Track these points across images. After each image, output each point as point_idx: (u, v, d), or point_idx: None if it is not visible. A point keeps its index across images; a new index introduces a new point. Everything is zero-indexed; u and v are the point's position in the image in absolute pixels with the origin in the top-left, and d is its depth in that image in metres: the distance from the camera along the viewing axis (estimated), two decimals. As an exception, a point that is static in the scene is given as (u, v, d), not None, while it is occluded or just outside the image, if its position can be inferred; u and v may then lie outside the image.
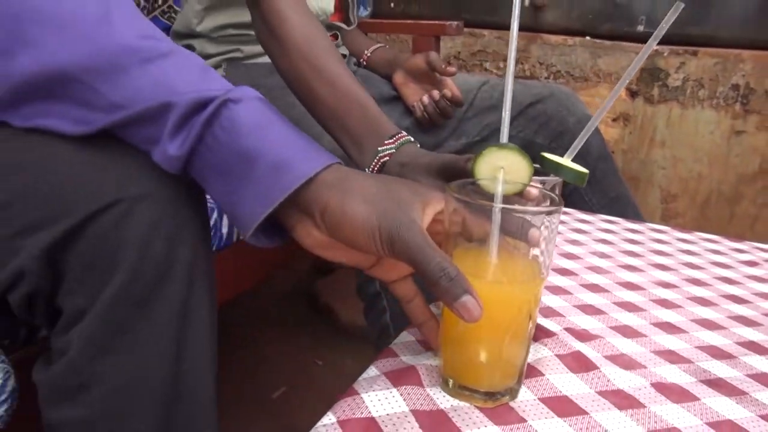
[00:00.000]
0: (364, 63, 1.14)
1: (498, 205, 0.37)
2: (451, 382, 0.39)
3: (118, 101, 0.37)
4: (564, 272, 0.63)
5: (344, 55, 1.15)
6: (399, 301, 0.42)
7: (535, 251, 0.37)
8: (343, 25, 1.14)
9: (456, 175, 0.47)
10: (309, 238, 0.39)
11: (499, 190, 0.38)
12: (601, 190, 1.10)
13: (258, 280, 0.99)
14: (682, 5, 0.41)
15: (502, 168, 0.39)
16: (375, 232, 0.36)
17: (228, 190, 0.37)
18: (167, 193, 0.39)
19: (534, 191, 0.40)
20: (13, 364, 0.47)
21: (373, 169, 0.57)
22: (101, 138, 0.39)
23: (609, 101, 0.45)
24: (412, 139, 0.59)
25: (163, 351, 0.40)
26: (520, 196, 0.40)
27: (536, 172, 0.41)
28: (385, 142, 0.58)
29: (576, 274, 0.63)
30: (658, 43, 1.35)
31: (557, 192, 0.47)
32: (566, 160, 0.46)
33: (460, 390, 0.38)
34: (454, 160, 0.48)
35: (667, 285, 0.63)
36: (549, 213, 0.36)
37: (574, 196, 1.06)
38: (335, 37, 1.13)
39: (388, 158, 0.57)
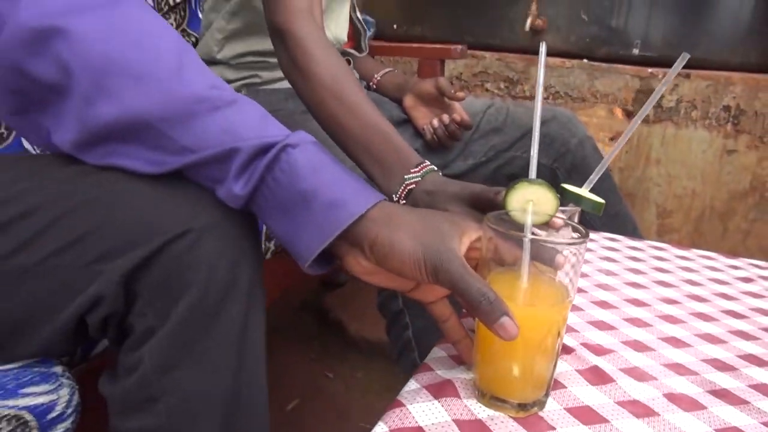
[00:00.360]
0: (374, 86, 1.19)
1: (529, 236, 0.42)
2: (486, 394, 0.43)
3: (188, 145, 0.42)
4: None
5: (354, 79, 1.19)
6: (436, 320, 0.47)
7: (563, 276, 0.41)
8: (355, 52, 1.19)
9: (485, 205, 0.52)
10: (357, 267, 0.44)
11: (529, 221, 0.43)
12: (602, 208, 1.15)
13: (272, 298, 1.03)
14: (688, 56, 0.46)
15: (531, 201, 0.44)
16: (421, 263, 0.41)
17: (287, 225, 0.42)
18: (229, 224, 0.44)
19: (559, 221, 0.45)
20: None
21: (401, 195, 0.62)
22: (170, 174, 0.43)
23: (624, 138, 0.50)
24: (435, 168, 0.63)
25: (226, 365, 0.44)
26: (546, 225, 0.45)
27: None
28: (411, 170, 0.62)
29: (586, 291, 0.68)
30: (653, 66, 1.40)
31: (576, 220, 0.52)
32: (584, 191, 0.50)
33: (495, 401, 0.43)
34: (484, 191, 0.53)
35: (670, 301, 0.67)
36: (576, 244, 0.41)
37: (576, 213, 1.11)
38: (348, 62, 1.17)
39: (414, 186, 0.61)
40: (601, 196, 1.21)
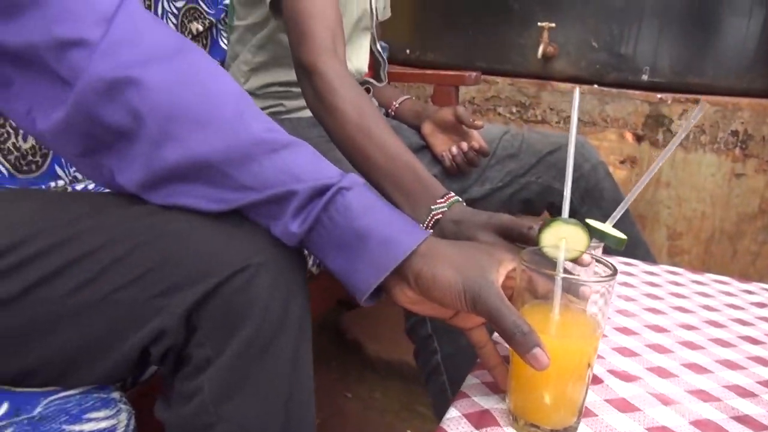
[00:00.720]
0: (393, 113, 1.23)
1: (561, 275, 0.45)
2: (520, 420, 0.46)
3: (248, 184, 0.45)
4: (597, 316, 0.70)
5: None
6: (474, 345, 0.50)
7: (594, 308, 0.44)
8: (374, 82, 1.22)
9: (515, 237, 0.55)
10: (403, 297, 0.47)
11: (562, 258, 0.46)
12: (615, 231, 1.18)
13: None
14: (707, 105, 0.49)
15: (564, 239, 0.47)
16: (461, 294, 0.44)
17: (343, 261, 0.45)
18: (282, 261, 0.47)
19: (587, 259, 0.48)
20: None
21: (427, 225, 0.65)
22: (228, 214, 0.47)
23: (648, 175, 0.53)
24: (460, 199, 0.66)
25: (279, 392, 0.47)
26: (575, 261, 0.48)
27: None
28: (437, 201, 0.65)
29: (608, 317, 0.70)
30: (662, 91, 1.44)
31: (599, 253, 0.55)
32: (609, 227, 0.53)
33: (529, 427, 0.45)
34: (514, 223, 0.56)
35: (688, 327, 0.70)
36: (606, 281, 0.44)
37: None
38: (368, 90, 1.21)
39: (440, 216, 0.64)
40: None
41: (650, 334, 0.67)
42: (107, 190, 0.52)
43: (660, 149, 1.49)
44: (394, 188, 0.69)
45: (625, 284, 0.84)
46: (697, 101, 1.44)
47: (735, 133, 1.43)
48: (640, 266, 0.95)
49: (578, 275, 0.48)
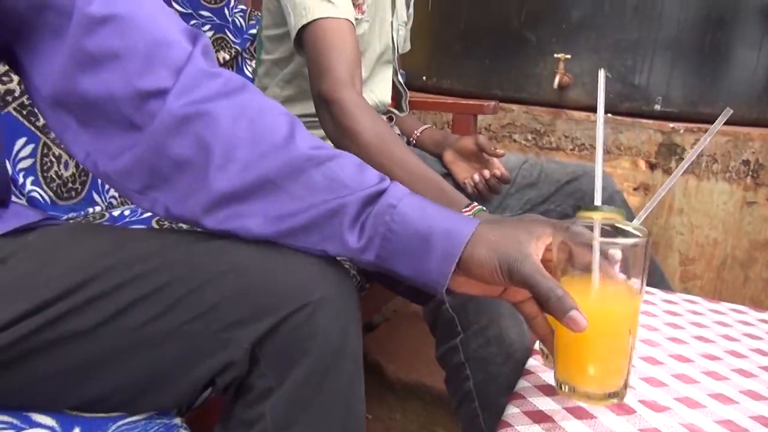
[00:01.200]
0: (414, 142, 1.27)
1: (598, 239, 0.48)
2: (565, 386, 0.50)
3: (301, 195, 0.49)
4: (623, 346, 0.73)
5: (395, 135, 1.28)
6: (525, 318, 0.53)
7: (631, 276, 0.47)
8: (396, 112, 1.27)
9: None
10: (453, 282, 0.51)
11: (598, 229, 0.49)
12: (631, 258, 1.21)
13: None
14: (731, 111, 0.53)
15: (601, 212, 0.51)
16: (497, 268, 0.48)
17: (412, 264, 0.49)
18: (339, 296, 0.50)
19: (618, 255, 0.51)
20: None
21: None
22: (284, 249, 0.50)
23: (668, 183, 0.56)
24: (484, 208, 0.70)
25: (336, 420, 0.50)
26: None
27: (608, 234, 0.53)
28: (463, 210, 0.68)
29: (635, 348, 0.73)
30: (674, 121, 1.48)
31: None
32: (633, 225, 0.57)
33: (571, 392, 0.49)
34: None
35: (711, 357, 0.73)
36: (634, 245, 0.47)
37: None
38: (390, 119, 1.25)
39: None
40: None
41: (675, 364, 0.70)
42: (162, 224, 0.56)
43: (672, 177, 1.53)
44: None
45: (647, 313, 0.87)
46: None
47: (746, 162, 1.47)
48: (658, 294, 0.98)
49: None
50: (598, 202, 0.54)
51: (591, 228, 0.50)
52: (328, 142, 1.15)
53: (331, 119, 0.81)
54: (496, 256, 0.48)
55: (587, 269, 0.48)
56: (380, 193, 0.50)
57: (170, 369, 0.50)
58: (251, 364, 0.49)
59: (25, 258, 0.53)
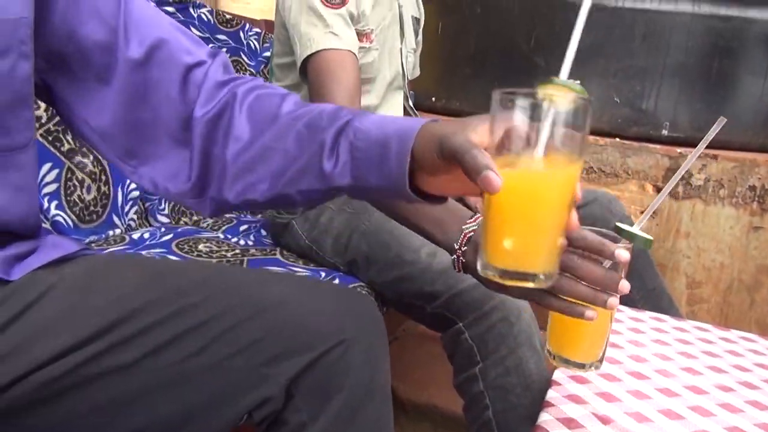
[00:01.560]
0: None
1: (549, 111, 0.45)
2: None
3: (292, 148, 0.56)
4: (639, 376, 0.75)
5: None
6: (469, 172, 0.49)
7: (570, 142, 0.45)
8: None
9: None
10: (419, 181, 0.53)
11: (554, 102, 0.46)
12: (641, 283, 1.23)
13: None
14: (725, 120, 0.54)
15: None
16: (434, 143, 0.48)
17: (379, 172, 0.52)
18: (370, 334, 0.52)
19: (626, 256, 0.52)
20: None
21: (461, 243, 0.68)
22: (316, 283, 0.52)
23: (660, 197, 0.58)
24: None
25: (367, 453, 0.51)
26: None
27: (613, 239, 0.55)
28: (467, 221, 0.69)
29: (648, 378, 0.75)
30: (681, 145, 1.50)
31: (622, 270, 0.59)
32: (636, 229, 0.59)
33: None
34: None
35: (725, 389, 0.74)
36: (579, 103, 0.45)
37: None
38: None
39: (472, 233, 0.68)
40: (638, 273, 1.30)
41: (691, 396, 0.71)
42: (181, 247, 0.58)
43: (680, 200, 1.55)
44: (423, 218, 0.73)
45: (659, 341, 0.88)
46: (715, 156, 1.50)
47: (753, 188, 1.49)
48: (669, 322, 0.99)
49: None
50: (564, 76, 0.53)
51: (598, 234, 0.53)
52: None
53: None
54: (434, 138, 0.49)
55: (520, 151, 0.45)
56: (349, 122, 0.54)
57: (209, 403, 0.51)
58: (286, 399, 0.50)
59: (65, 291, 0.54)
